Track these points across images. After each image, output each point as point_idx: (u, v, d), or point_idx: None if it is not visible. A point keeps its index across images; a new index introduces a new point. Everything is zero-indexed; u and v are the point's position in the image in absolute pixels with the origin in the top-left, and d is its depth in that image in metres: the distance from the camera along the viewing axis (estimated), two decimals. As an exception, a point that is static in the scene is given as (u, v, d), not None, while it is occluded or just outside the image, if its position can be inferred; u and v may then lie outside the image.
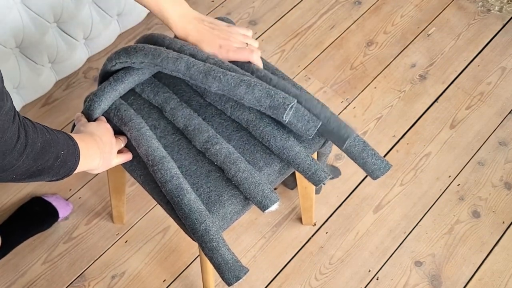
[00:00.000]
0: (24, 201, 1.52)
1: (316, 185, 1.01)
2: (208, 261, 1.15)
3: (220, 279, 1.31)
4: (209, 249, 0.96)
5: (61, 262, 1.47)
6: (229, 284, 0.95)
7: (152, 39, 1.11)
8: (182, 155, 1.05)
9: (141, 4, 1.05)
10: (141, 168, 1.06)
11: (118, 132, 1.09)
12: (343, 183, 1.60)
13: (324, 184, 1.01)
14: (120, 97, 1.11)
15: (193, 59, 1.01)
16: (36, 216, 1.48)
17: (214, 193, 1.02)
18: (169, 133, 1.08)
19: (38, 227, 1.48)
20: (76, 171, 0.91)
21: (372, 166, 1.03)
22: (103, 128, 1.03)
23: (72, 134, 0.92)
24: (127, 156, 1.07)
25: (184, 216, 0.98)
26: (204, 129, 1.04)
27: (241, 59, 1.07)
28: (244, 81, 0.95)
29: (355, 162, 1.04)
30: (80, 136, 0.94)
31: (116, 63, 1.07)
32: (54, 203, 1.49)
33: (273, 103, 0.94)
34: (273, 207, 0.98)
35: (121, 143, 1.07)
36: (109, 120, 1.10)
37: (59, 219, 1.50)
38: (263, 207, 0.98)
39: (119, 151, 1.07)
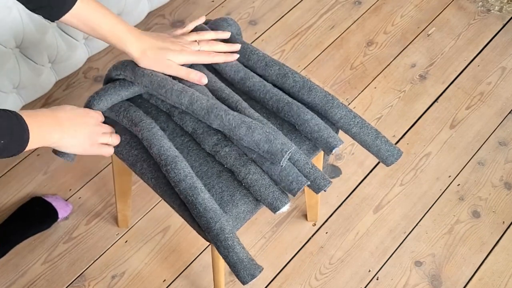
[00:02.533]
0: (24, 201, 1.52)
1: (316, 193, 1.01)
2: (220, 260, 1.16)
3: (230, 279, 1.31)
4: (224, 248, 0.96)
5: (61, 262, 1.47)
6: (244, 283, 0.95)
7: None
8: (192, 157, 1.05)
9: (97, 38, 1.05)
10: (152, 171, 1.05)
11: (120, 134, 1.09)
12: (343, 183, 1.60)
13: (325, 191, 1.01)
14: (128, 99, 1.11)
15: (198, 94, 1.02)
16: (36, 216, 1.48)
17: (227, 193, 1.02)
18: (178, 135, 1.08)
19: (37, 227, 1.48)
20: (29, 149, 0.91)
21: (386, 152, 1.05)
22: (80, 112, 1.03)
23: (24, 112, 0.91)
24: (107, 150, 1.07)
25: (198, 215, 0.97)
26: (213, 132, 1.05)
27: (204, 61, 1.12)
28: (245, 122, 0.97)
29: (369, 150, 1.06)
30: (34, 114, 0.94)
31: (121, 73, 1.08)
32: (54, 203, 1.49)
33: (271, 148, 0.95)
34: (284, 209, 0.98)
35: (108, 137, 1.06)
36: (118, 123, 1.09)
37: (59, 220, 1.50)
38: (274, 209, 0.98)
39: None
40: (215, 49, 1.13)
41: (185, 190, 0.98)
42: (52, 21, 1.00)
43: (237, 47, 1.14)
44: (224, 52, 1.14)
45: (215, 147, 1.03)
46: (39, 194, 1.54)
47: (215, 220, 0.96)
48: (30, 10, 0.99)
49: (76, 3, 0.99)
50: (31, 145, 0.91)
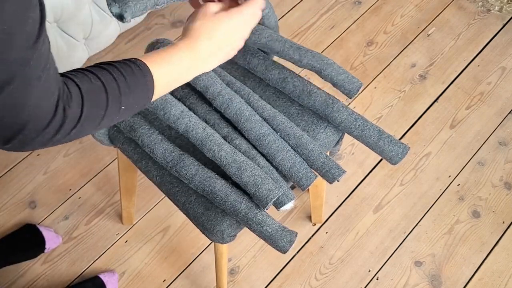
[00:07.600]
0: (24, 201, 1.52)
1: (330, 183, 1.03)
2: (222, 260, 1.17)
3: (230, 279, 1.31)
4: (256, 224, 0.96)
5: (61, 262, 1.47)
6: (284, 251, 0.95)
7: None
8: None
9: None
10: (157, 168, 1.06)
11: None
12: (343, 183, 1.60)
13: (338, 181, 1.02)
14: None
15: (194, 121, 1.02)
16: (24, 243, 1.46)
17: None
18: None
19: (23, 255, 1.45)
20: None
21: (390, 153, 1.05)
22: (225, 28, 0.82)
23: (148, 60, 0.79)
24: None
25: (222, 202, 0.98)
26: (224, 124, 1.06)
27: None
28: (236, 162, 0.98)
29: (373, 151, 1.07)
30: (160, 56, 0.81)
31: None
32: (44, 233, 1.46)
33: (257, 193, 0.96)
34: (289, 205, 0.98)
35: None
36: (117, 126, 1.09)
37: (46, 250, 1.46)
38: (279, 204, 0.99)
39: None
40: None
41: (201, 182, 0.99)
42: None
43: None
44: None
45: (225, 139, 1.04)
46: (34, 221, 1.51)
47: (240, 201, 0.97)
48: None
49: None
50: (160, 92, 0.78)
